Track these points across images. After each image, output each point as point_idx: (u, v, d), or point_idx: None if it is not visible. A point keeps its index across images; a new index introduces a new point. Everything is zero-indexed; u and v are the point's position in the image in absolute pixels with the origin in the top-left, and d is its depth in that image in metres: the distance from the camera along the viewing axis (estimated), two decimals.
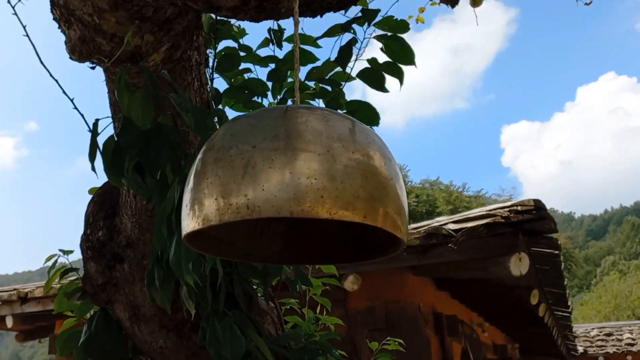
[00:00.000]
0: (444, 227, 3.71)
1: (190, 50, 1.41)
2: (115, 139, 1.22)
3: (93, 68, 1.18)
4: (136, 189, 1.24)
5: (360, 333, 4.61)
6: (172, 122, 1.35)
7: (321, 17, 1.36)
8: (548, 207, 3.55)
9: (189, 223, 0.69)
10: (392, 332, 4.24)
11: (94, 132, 1.18)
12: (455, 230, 3.64)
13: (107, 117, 1.30)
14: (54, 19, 1.20)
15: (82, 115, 1.50)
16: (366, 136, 0.71)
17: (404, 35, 1.45)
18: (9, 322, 4.94)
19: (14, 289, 4.94)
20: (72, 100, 1.48)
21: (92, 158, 1.18)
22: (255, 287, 1.83)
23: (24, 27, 1.40)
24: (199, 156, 0.71)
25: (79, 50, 1.15)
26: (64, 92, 1.49)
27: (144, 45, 1.16)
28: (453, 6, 1.92)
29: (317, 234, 0.94)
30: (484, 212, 3.58)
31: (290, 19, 1.10)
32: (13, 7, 1.44)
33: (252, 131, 0.68)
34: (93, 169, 1.19)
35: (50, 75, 1.46)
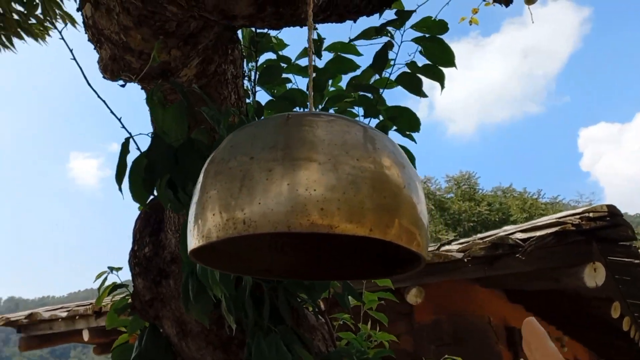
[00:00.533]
0: (510, 236, 3.54)
1: (225, 64, 1.41)
2: (146, 156, 1.22)
3: (123, 86, 1.19)
4: (167, 204, 1.23)
5: (426, 348, 4.47)
6: (207, 137, 1.35)
7: (354, 22, 1.32)
8: (633, 212, 3.30)
9: (191, 239, 0.66)
10: (460, 348, 4.09)
11: (123, 151, 1.19)
12: (523, 240, 3.46)
13: (139, 134, 1.30)
14: (89, 40, 1.23)
15: (130, 134, 1.52)
16: (375, 142, 0.65)
17: (445, 37, 1.38)
18: (86, 335, 5.15)
19: (90, 303, 5.16)
20: (119, 120, 1.51)
21: (119, 178, 1.17)
22: (301, 301, 1.79)
23: (71, 51, 1.44)
24: (203, 168, 0.68)
25: (110, 69, 1.17)
26: (111, 112, 1.52)
27: (172, 60, 1.16)
28: (507, 5, 1.82)
29: (340, 247, 0.89)
30: (554, 220, 3.38)
31: (331, 27, 1.07)
32: (60, 32, 1.49)
33: (251, 141, 0.64)
34: (120, 189, 1.19)
35: (98, 96, 1.49)
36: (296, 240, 0.89)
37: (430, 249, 4.72)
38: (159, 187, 1.22)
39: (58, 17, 2.48)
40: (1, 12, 2.59)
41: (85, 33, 1.19)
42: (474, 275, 3.77)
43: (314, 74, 1.66)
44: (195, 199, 0.67)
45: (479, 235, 4.30)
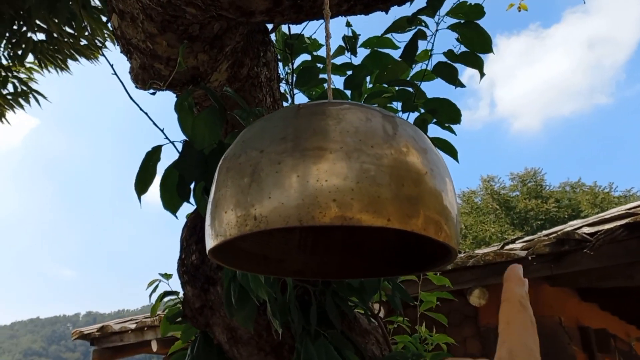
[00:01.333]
0: (576, 231, 3.35)
1: (258, 67, 1.40)
2: (176, 163, 1.22)
3: (153, 94, 1.20)
4: (204, 211, 1.23)
5: (494, 352, 4.31)
6: None
7: (386, 12, 1.28)
8: None
9: (208, 239, 0.64)
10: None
11: (149, 159, 1.19)
12: (591, 234, 3.27)
13: (168, 142, 1.30)
14: (121, 51, 1.25)
15: (173, 144, 1.54)
16: (393, 128, 0.61)
17: (481, 22, 1.31)
18: (154, 346, 5.30)
19: (158, 314, 5.31)
20: (162, 131, 1.53)
21: (141, 186, 1.17)
22: (352, 305, 1.75)
23: (112, 66, 1.48)
24: (217, 166, 0.66)
25: (141, 78, 1.17)
26: (154, 123, 1.54)
27: (200, 65, 1.16)
28: None
29: (369, 245, 0.85)
30: (623, 212, 3.18)
31: (367, 23, 1.03)
32: (100, 50, 1.53)
33: (261, 135, 0.61)
34: (139, 198, 1.19)
35: (140, 108, 1.51)
36: (324, 238, 0.86)
37: (493, 248, 4.55)
38: (196, 194, 1.22)
39: (106, 36, 2.57)
40: (55, 35, 2.72)
41: (117, 45, 1.21)
42: (539, 273, 3.60)
43: (350, 72, 1.63)
44: (210, 197, 0.65)
45: (544, 232, 4.12)
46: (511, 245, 4.27)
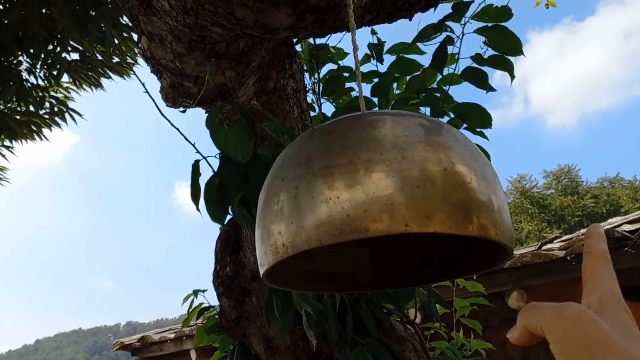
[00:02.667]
0: (616, 229, 3.27)
1: (285, 79, 1.41)
2: (216, 176, 1.24)
3: (183, 112, 1.22)
4: (244, 222, 1.25)
5: (535, 354, 4.23)
6: (272, 152, 1.35)
7: (410, 19, 1.28)
8: None
9: (259, 267, 0.66)
10: None
11: (195, 173, 1.22)
12: (631, 232, 3.18)
13: (208, 156, 1.33)
14: (151, 71, 1.28)
15: (205, 158, 1.56)
16: (401, 133, 0.60)
17: (508, 24, 1.30)
18: (193, 355, 5.36)
19: (195, 324, 5.37)
20: (193, 145, 1.56)
21: (195, 199, 1.21)
22: (387, 312, 1.74)
23: (143, 84, 1.51)
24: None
25: (171, 97, 1.20)
26: (185, 138, 1.57)
27: (228, 81, 1.18)
28: None
29: (421, 252, 0.85)
30: None
31: (392, 30, 1.03)
32: (131, 68, 1.57)
33: (283, 163, 0.63)
34: (198, 209, 1.22)
35: (171, 124, 1.54)
36: (374, 249, 0.86)
37: (530, 248, 4.47)
38: (234, 206, 1.24)
39: (137, 52, 2.63)
40: (88, 55, 2.80)
41: (147, 65, 1.24)
42: (579, 274, 3.48)
43: (377, 79, 1.63)
44: (256, 226, 0.67)
45: (582, 231, 4.02)
46: (549, 245, 4.19)
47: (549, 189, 20.29)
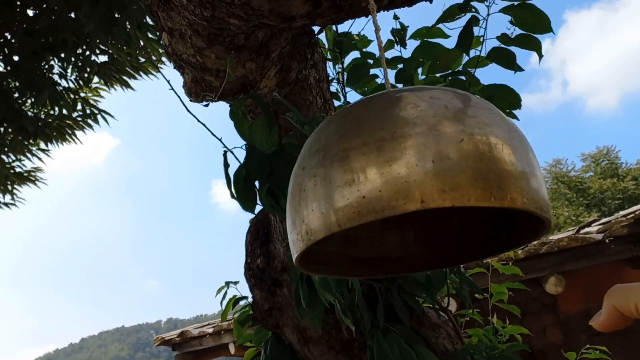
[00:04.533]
0: None
1: (306, 69, 1.41)
2: (243, 166, 1.26)
3: (206, 106, 1.23)
4: (272, 212, 1.26)
5: (576, 339, 4.15)
6: (297, 140, 1.36)
7: (430, 2, 1.26)
8: None
9: (291, 253, 0.67)
10: (615, 336, 3.73)
11: (226, 164, 1.23)
12: None
13: (235, 147, 1.34)
14: (174, 67, 1.29)
15: (231, 152, 1.58)
16: (414, 109, 0.58)
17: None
18: (232, 348, 5.44)
19: (233, 317, 5.44)
20: (220, 140, 1.57)
21: (229, 188, 1.23)
22: (420, 300, 1.73)
23: (168, 82, 1.53)
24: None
25: (194, 91, 1.21)
26: (212, 133, 1.59)
27: (249, 73, 1.18)
28: None
29: (444, 232, 0.85)
30: None
31: (409, 11, 1.03)
32: (157, 67, 1.59)
33: (304, 152, 0.64)
34: (233, 196, 1.25)
35: (197, 120, 1.56)
36: (419, 231, 0.86)
37: (567, 233, 4.37)
38: (261, 196, 1.25)
39: (162, 53, 2.67)
40: (116, 57, 2.86)
41: (170, 61, 1.26)
42: (619, 256, 3.42)
43: (401, 65, 1.61)
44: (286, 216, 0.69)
45: (621, 213, 3.92)
46: (587, 229, 4.09)
47: (587, 172, 19.79)
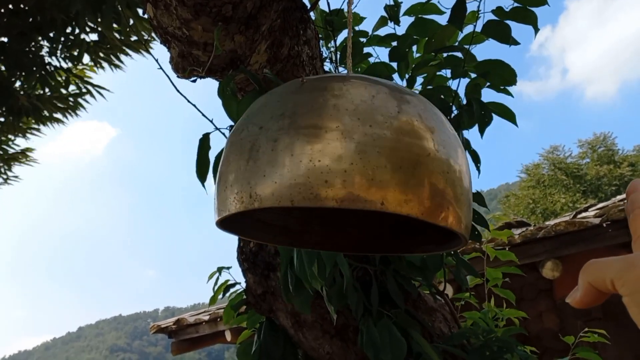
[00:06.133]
0: None
1: (299, 46, 1.36)
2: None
3: (194, 81, 1.19)
4: None
5: (573, 325, 4.14)
6: None
7: None
8: None
9: (213, 211, 0.63)
10: (611, 322, 3.73)
11: (203, 147, 1.18)
12: None
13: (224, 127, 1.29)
14: (161, 42, 1.25)
15: (223, 134, 1.54)
16: (396, 104, 0.57)
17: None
18: (228, 335, 5.43)
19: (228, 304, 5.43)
20: (211, 121, 1.53)
21: (200, 173, 1.17)
22: (415, 284, 1.70)
23: (157, 60, 1.49)
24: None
25: (181, 67, 1.17)
26: (202, 114, 1.54)
27: (238, 47, 1.14)
28: None
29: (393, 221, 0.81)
30: None
31: None
32: (146, 45, 1.54)
33: (263, 110, 0.60)
34: (203, 185, 1.19)
35: (188, 100, 1.52)
36: (339, 215, 0.82)
37: (564, 218, 4.35)
38: None
39: (152, 32, 2.61)
40: (105, 36, 2.79)
41: (156, 35, 1.21)
42: (616, 241, 3.40)
43: (395, 43, 1.57)
44: (218, 169, 0.64)
45: (618, 197, 3.90)
46: (584, 214, 4.07)
47: (584, 159, 19.79)
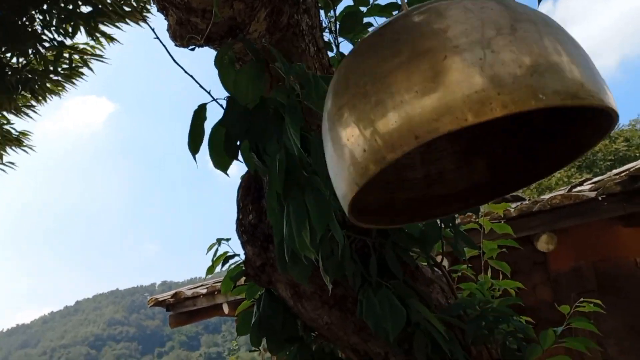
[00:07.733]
0: None
1: (298, 14, 1.34)
2: (222, 121, 1.19)
3: (192, 49, 1.17)
4: (254, 168, 1.21)
5: (567, 297, 4.19)
6: (286, 94, 1.29)
7: None
8: None
9: (345, 188, 0.65)
10: (606, 294, 3.77)
11: (198, 118, 1.17)
12: None
13: (220, 98, 1.27)
14: (158, 10, 1.22)
15: (218, 102, 1.52)
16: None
17: None
18: (225, 308, 5.47)
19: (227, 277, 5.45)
20: (209, 93, 1.51)
21: (193, 145, 1.15)
22: (414, 255, 1.71)
23: (153, 30, 1.46)
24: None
25: (179, 34, 1.15)
26: (200, 86, 1.52)
27: (237, 15, 1.12)
28: None
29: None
30: None
31: None
32: (141, 14, 1.51)
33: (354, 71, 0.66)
34: (194, 157, 1.17)
35: (185, 71, 1.50)
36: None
37: (560, 192, 4.37)
38: (243, 152, 1.20)
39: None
40: (100, 6, 2.74)
41: (153, 2, 1.19)
42: (611, 214, 3.42)
43: (396, 12, 1.54)
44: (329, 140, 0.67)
45: (614, 171, 3.90)
46: (579, 188, 4.08)
47: None
